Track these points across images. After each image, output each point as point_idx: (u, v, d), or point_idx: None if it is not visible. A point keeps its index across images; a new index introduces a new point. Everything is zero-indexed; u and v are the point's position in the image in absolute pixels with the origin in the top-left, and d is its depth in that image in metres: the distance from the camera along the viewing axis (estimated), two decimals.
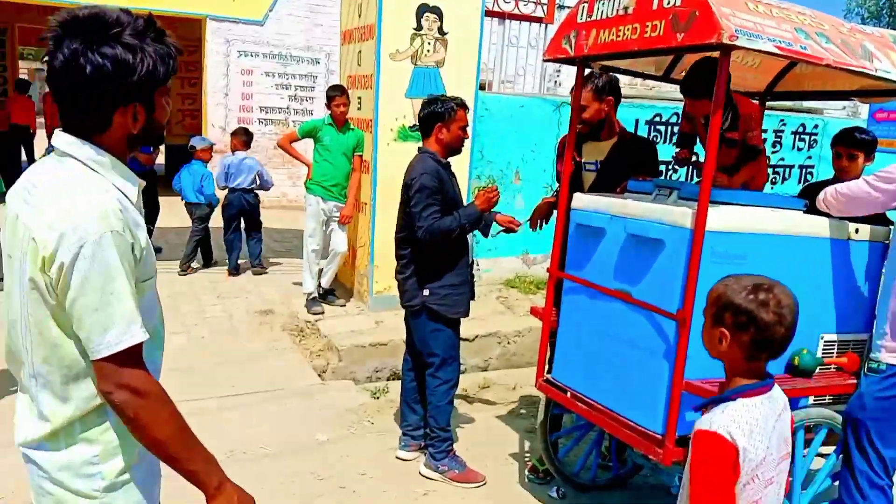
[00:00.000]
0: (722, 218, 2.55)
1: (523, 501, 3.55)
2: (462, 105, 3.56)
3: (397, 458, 3.87)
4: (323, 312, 5.74)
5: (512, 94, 6.92)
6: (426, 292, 3.54)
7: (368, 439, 4.09)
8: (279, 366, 4.96)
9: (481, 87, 6.44)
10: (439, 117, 3.51)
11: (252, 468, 3.65)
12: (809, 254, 2.77)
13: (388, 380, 5.15)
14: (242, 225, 7.07)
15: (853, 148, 3.59)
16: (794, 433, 2.62)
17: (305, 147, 6.06)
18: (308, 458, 3.82)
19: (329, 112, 5.69)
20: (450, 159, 3.67)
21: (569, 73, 7.05)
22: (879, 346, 2.74)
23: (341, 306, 5.93)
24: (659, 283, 2.65)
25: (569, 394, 3.16)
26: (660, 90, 8.97)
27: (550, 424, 3.63)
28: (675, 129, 7.18)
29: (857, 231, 2.86)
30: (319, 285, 5.92)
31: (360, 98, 5.90)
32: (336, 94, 5.63)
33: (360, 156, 5.77)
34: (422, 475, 3.69)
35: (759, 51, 2.38)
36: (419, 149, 3.65)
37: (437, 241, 3.42)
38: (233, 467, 3.55)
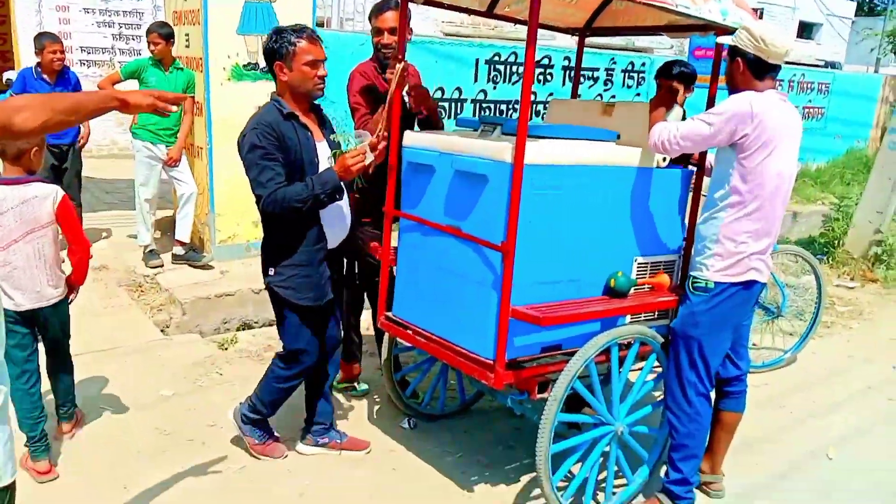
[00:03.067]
0: (539, 152, 2.66)
1: (377, 438, 3.62)
2: (304, 33, 2.89)
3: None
4: (162, 265, 5.48)
5: (352, 32, 6.78)
6: (271, 272, 3.06)
7: (217, 391, 4.01)
8: (116, 323, 4.72)
9: (319, 24, 6.25)
10: (275, 55, 2.90)
11: (92, 429, 3.50)
12: (621, 183, 2.95)
13: (237, 330, 5.04)
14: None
15: (675, 80, 3.95)
16: (608, 350, 2.86)
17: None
18: (152, 413, 3.70)
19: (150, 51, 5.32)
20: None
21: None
22: (705, 265, 2.88)
23: (208, 265, 5.52)
24: (484, 217, 2.74)
25: (409, 330, 3.24)
26: (502, 30, 9.10)
27: (395, 362, 3.73)
28: (514, 68, 7.35)
29: (664, 160, 3.08)
30: (178, 240, 5.53)
31: (187, 35, 5.56)
32: (151, 31, 5.22)
33: (192, 97, 5.46)
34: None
35: None
36: (270, 94, 3.05)
37: (283, 214, 2.87)
38: (74, 430, 3.42)
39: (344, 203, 3.06)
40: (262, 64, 5.42)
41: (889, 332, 5.65)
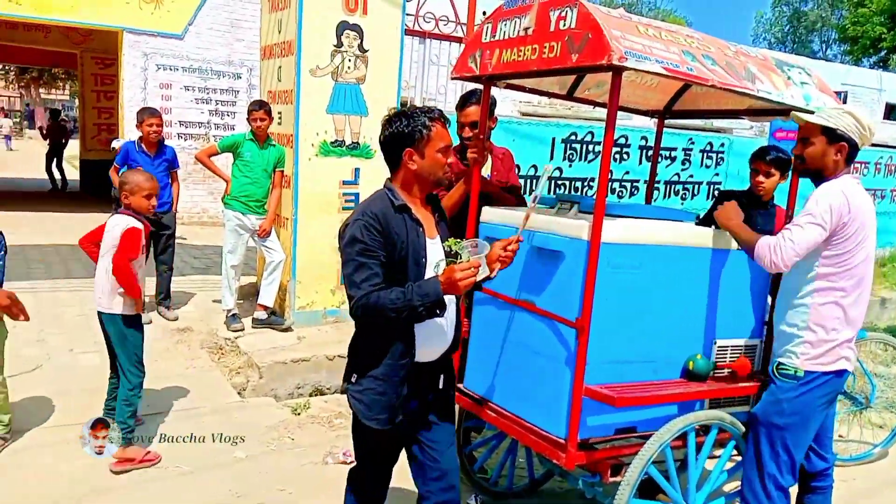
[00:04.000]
0: (616, 230, 2.68)
1: None
2: (437, 116, 2.52)
3: None
4: (243, 329, 5.67)
5: None
6: (353, 378, 2.56)
7: (288, 455, 4.07)
8: (197, 384, 4.88)
9: (403, 105, 6.54)
10: (405, 140, 2.48)
11: (168, 486, 3.59)
12: (699, 263, 2.92)
13: (310, 395, 5.13)
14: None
15: (771, 166, 3.88)
16: (685, 436, 2.78)
17: (225, 162, 5.99)
18: (226, 474, 3.77)
19: (250, 127, 5.67)
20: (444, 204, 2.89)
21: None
22: (794, 353, 2.80)
23: (288, 329, 5.72)
24: (559, 293, 2.76)
25: (481, 403, 3.24)
26: (578, 110, 9.26)
27: (464, 436, 3.71)
28: (590, 147, 7.45)
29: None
30: (261, 305, 5.75)
31: (280, 113, 5.90)
32: (255, 109, 5.62)
33: (282, 171, 5.76)
34: None
35: (647, 71, 2.53)
36: (385, 182, 2.60)
37: (375, 321, 2.44)
38: (149, 486, 3.55)
39: (445, 318, 2.54)
40: (349, 141, 5.74)
41: None
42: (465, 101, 3.74)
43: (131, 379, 3.81)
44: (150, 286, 5.63)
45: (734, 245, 3.01)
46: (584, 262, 2.61)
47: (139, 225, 3.77)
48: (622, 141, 7.67)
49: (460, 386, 3.35)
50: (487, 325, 3.20)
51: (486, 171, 3.81)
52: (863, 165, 10.36)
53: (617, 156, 7.68)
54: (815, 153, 2.82)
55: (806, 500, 3.09)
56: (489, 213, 3.26)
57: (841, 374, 2.80)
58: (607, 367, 2.76)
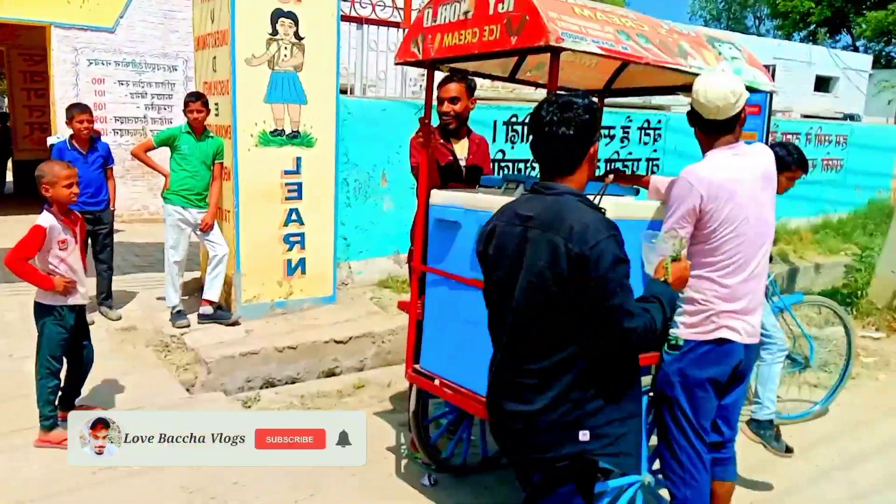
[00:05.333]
0: None
1: (400, 493, 3.64)
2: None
3: None
4: (189, 325, 5.57)
5: (374, 98, 7.02)
6: (584, 435, 2.09)
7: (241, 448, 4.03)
8: (143, 382, 4.78)
9: (343, 92, 6.49)
10: (593, 133, 2.16)
11: (119, 485, 3.53)
12: (634, 236, 2.96)
13: (260, 388, 5.08)
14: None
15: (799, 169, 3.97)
16: None
17: (163, 157, 5.86)
18: (177, 470, 3.71)
19: (186, 120, 5.55)
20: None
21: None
22: (676, 323, 2.80)
23: (235, 323, 5.64)
24: None
25: (437, 381, 3.29)
26: (520, 92, 9.33)
27: (422, 413, 3.75)
28: None
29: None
30: (206, 300, 5.65)
31: (216, 104, 5.79)
32: (191, 101, 5.50)
33: (221, 163, 5.66)
34: None
35: (584, 51, 2.58)
36: (550, 187, 2.17)
37: (641, 349, 2.20)
38: (98, 488, 3.48)
39: None
40: (289, 130, 5.68)
41: None
42: (444, 79, 3.79)
43: (39, 369, 3.87)
44: (90, 286, 5.48)
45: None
46: None
47: (48, 224, 3.74)
48: None
49: (416, 366, 3.39)
50: (440, 305, 3.24)
51: (461, 154, 3.87)
52: (794, 136, 10.76)
53: None
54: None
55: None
56: (438, 196, 3.29)
57: (722, 343, 2.77)
58: None
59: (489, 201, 2.94)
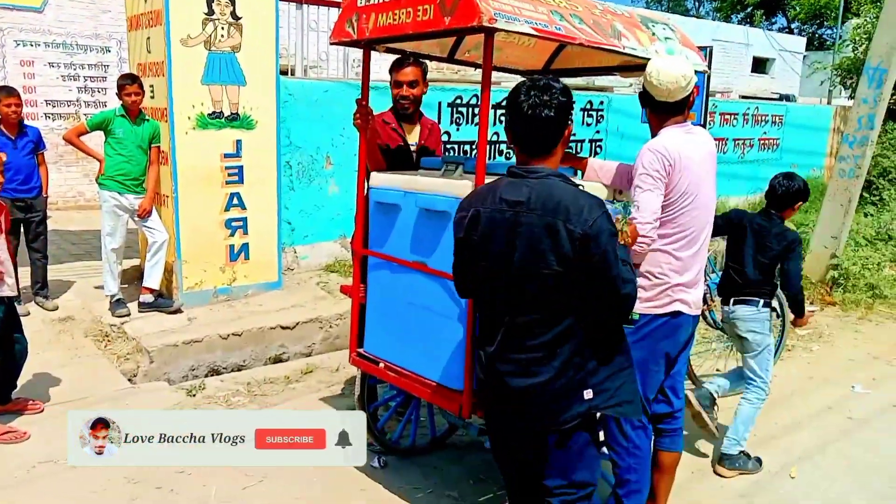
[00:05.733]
0: None
1: (350, 476, 3.63)
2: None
3: None
4: (129, 314, 5.45)
5: (316, 79, 6.92)
6: (588, 394, 2.25)
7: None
8: (83, 373, 4.67)
9: (283, 73, 6.38)
10: (569, 114, 2.28)
11: (62, 479, 3.45)
12: None
13: (205, 376, 5.01)
14: None
15: (799, 200, 3.85)
16: None
17: (99, 142, 5.67)
18: None
19: (121, 103, 5.38)
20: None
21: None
22: None
23: (178, 311, 5.52)
24: (449, 252, 2.81)
25: (381, 364, 3.29)
26: (465, 73, 9.32)
27: (369, 397, 3.76)
28: (476, 110, 7.55)
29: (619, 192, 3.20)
30: (147, 288, 5.52)
31: (152, 86, 5.63)
32: (126, 83, 5.33)
33: (158, 147, 5.51)
34: None
35: (517, 32, 2.59)
36: (532, 170, 2.22)
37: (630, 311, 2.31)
38: (39, 482, 3.41)
39: None
40: (228, 112, 5.56)
41: (848, 353, 5.81)
42: (401, 62, 3.70)
43: None
44: (24, 276, 5.30)
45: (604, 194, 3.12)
46: None
47: None
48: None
49: (360, 350, 3.39)
50: (383, 288, 3.24)
51: (413, 140, 3.83)
52: (732, 116, 11.03)
53: (503, 117, 7.81)
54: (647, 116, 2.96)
55: (656, 444, 3.13)
56: (377, 179, 3.27)
57: (677, 315, 2.86)
58: None
59: (428, 183, 2.95)
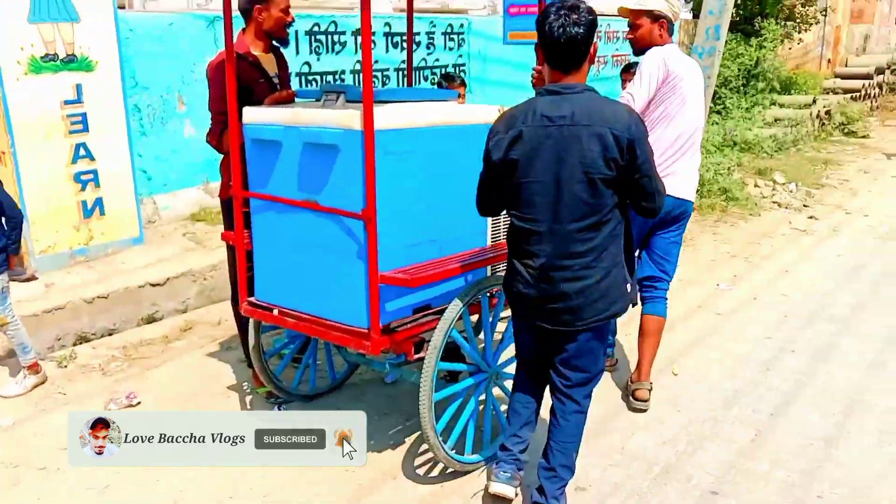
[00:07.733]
0: (387, 117, 2.65)
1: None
2: None
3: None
4: None
5: (157, 12, 6.34)
6: (628, 287, 2.58)
7: (62, 412, 3.67)
8: None
9: (120, 6, 5.78)
10: (594, 31, 2.45)
11: None
12: (470, 140, 2.92)
13: (74, 345, 4.63)
14: None
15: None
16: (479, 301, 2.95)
17: None
18: None
19: None
20: None
21: None
22: None
23: (32, 278, 4.98)
24: (340, 187, 2.70)
25: (276, 311, 3.15)
26: (319, 0, 8.88)
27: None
28: (335, 37, 7.24)
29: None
30: None
31: None
32: None
33: None
34: None
35: None
36: (569, 87, 2.43)
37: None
38: None
39: None
40: (64, 54, 4.99)
41: (709, 255, 6.27)
42: None
43: None
44: None
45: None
46: (361, 153, 2.56)
47: None
48: None
49: (252, 299, 3.22)
50: (271, 231, 3.07)
51: (272, 71, 3.55)
52: None
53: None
54: (644, 34, 3.53)
55: (641, 309, 3.67)
56: (251, 114, 3.04)
57: None
58: (398, 252, 2.80)
59: (312, 116, 2.78)
